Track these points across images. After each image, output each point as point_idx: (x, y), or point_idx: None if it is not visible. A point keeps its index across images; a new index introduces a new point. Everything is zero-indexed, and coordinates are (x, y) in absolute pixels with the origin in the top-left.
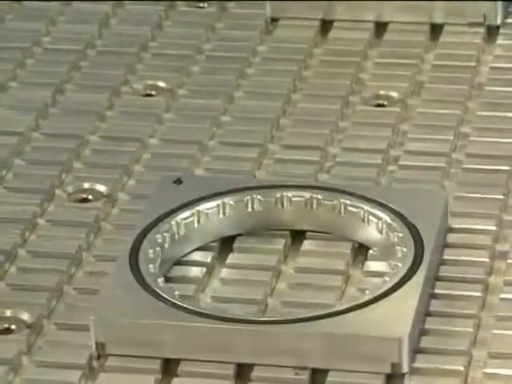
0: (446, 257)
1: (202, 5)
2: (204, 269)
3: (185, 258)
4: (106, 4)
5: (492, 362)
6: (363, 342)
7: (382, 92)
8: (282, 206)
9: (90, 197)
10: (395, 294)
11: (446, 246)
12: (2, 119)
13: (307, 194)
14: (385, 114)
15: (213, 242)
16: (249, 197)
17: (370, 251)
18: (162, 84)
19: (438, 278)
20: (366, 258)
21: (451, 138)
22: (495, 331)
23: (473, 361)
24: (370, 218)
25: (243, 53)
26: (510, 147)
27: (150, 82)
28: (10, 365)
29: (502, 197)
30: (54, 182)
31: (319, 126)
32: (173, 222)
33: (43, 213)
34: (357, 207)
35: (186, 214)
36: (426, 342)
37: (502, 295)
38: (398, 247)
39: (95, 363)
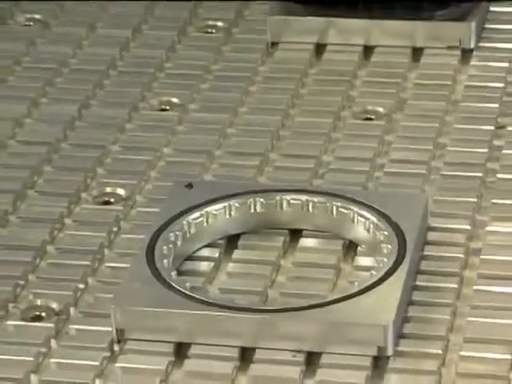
0: (426, 253)
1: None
2: (212, 263)
3: (195, 254)
4: (126, 30)
5: (467, 345)
6: (353, 328)
7: (369, 107)
8: (281, 207)
9: (112, 199)
10: (381, 286)
11: (427, 243)
12: (33, 131)
13: (303, 197)
14: (372, 127)
15: (220, 239)
16: (252, 199)
17: (359, 248)
18: (175, 100)
19: (419, 272)
20: (355, 254)
21: (431, 147)
22: (470, 319)
23: (450, 345)
24: (359, 218)
25: (247, 73)
26: (483, 156)
27: (165, 99)
28: (40, 348)
29: (475, 199)
30: (80, 187)
31: (314, 138)
32: (184, 222)
33: (70, 214)
34: (347, 209)
35: (196, 214)
36: (408, 328)
37: (476, 287)
38: (383, 244)
39: (115, 347)
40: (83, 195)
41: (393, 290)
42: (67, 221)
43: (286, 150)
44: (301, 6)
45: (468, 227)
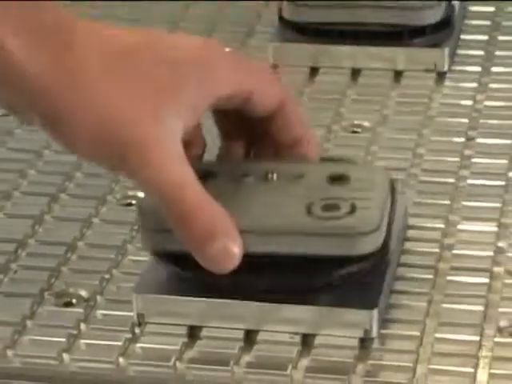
0: (405, 247)
1: None
2: None
3: None
4: None
5: (441, 328)
6: (343, 313)
7: (356, 122)
8: None
9: (134, 201)
10: (367, 276)
11: (406, 239)
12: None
13: None
14: (359, 139)
15: None
16: None
17: None
18: None
19: (399, 264)
20: None
21: (409, 157)
22: (443, 305)
23: (426, 328)
24: None
25: None
26: (455, 164)
27: None
28: (71, 330)
29: (448, 202)
30: (106, 190)
31: None
32: None
33: (97, 214)
34: None
35: None
36: (391, 313)
37: (449, 278)
38: None
39: (136, 329)
40: (109, 198)
41: (377, 279)
42: (95, 220)
43: None
44: (298, 34)
45: (442, 226)
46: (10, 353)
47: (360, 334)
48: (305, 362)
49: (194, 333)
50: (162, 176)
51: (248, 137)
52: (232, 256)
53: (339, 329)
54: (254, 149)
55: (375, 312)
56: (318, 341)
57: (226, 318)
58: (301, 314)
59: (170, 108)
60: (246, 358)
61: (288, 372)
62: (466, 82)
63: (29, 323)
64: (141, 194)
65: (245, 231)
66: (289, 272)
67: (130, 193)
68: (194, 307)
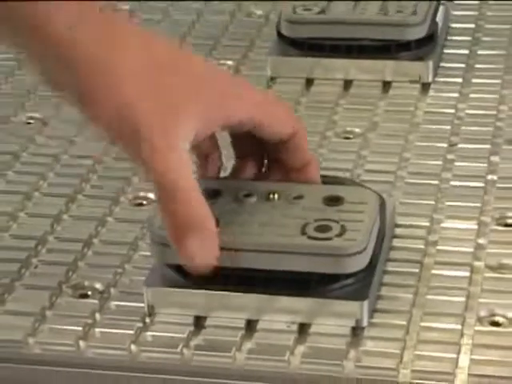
0: (394, 244)
1: None
2: None
3: None
4: None
5: (426, 318)
6: (337, 304)
7: (348, 128)
8: None
9: (145, 202)
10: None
11: (394, 236)
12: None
13: None
14: (350, 144)
15: None
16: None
17: None
18: None
19: (388, 259)
20: None
21: (397, 160)
22: (428, 297)
23: (412, 318)
24: None
25: None
26: (438, 167)
27: None
28: (86, 320)
29: (433, 202)
30: (119, 192)
31: None
32: None
33: (111, 213)
34: None
35: None
36: (380, 304)
37: (433, 271)
38: None
39: (147, 319)
40: (122, 198)
41: (368, 273)
42: (109, 218)
43: None
44: (294, 49)
45: (427, 224)
46: (31, 340)
47: (352, 323)
48: (301, 349)
49: (199, 322)
50: (165, 163)
51: (260, 158)
52: (206, 255)
53: (333, 318)
54: (265, 169)
55: (365, 303)
56: (313, 329)
57: (228, 309)
58: (297, 305)
59: (187, 111)
60: (247, 345)
61: (286, 358)
62: (448, 92)
63: (48, 313)
64: (151, 196)
65: (242, 249)
66: (277, 287)
67: (141, 194)
68: (200, 299)
